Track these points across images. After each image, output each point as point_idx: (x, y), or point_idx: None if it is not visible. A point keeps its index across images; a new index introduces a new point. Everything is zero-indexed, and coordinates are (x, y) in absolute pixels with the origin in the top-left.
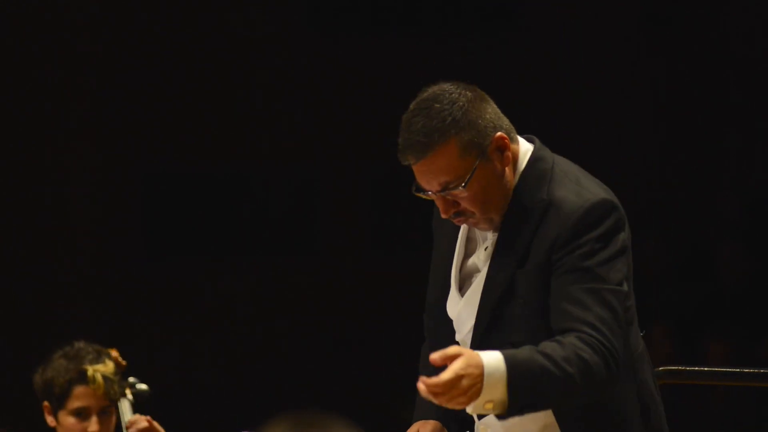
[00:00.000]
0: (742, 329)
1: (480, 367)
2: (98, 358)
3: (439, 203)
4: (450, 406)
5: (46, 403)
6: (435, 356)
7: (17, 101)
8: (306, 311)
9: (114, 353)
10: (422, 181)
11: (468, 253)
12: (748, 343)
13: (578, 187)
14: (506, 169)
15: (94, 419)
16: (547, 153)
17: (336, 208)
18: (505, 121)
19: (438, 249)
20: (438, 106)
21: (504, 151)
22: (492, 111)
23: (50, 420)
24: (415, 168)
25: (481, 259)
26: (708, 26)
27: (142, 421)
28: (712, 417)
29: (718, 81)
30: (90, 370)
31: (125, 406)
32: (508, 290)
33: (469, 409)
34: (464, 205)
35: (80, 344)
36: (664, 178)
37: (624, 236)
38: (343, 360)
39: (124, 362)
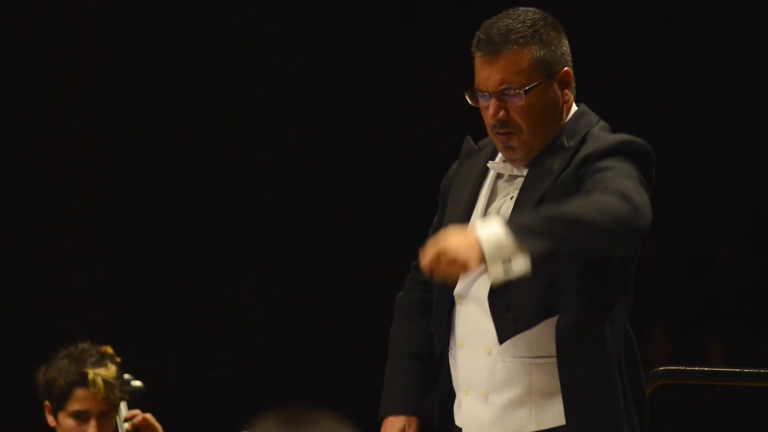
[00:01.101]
0: (742, 329)
1: (471, 230)
2: (101, 362)
3: (491, 105)
4: (454, 271)
5: (46, 403)
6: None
7: (17, 101)
8: (306, 311)
9: (109, 350)
10: (483, 77)
11: (492, 200)
12: (748, 343)
13: (620, 134)
14: (563, 106)
15: (92, 423)
16: (592, 114)
17: (336, 208)
18: (571, 58)
19: (452, 206)
20: (529, 14)
21: (566, 88)
22: (567, 48)
23: (50, 420)
24: (481, 62)
25: (505, 206)
26: (708, 26)
27: (139, 416)
28: (712, 417)
29: (718, 81)
30: (91, 373)
31: (121, 405)
32: (539, 203)
33: (490, 275)
34: (514, 115)
35: (84, 345)
36: (664, 179)
37: (653, 184)
38: (343, 360)
39: (118, 359)
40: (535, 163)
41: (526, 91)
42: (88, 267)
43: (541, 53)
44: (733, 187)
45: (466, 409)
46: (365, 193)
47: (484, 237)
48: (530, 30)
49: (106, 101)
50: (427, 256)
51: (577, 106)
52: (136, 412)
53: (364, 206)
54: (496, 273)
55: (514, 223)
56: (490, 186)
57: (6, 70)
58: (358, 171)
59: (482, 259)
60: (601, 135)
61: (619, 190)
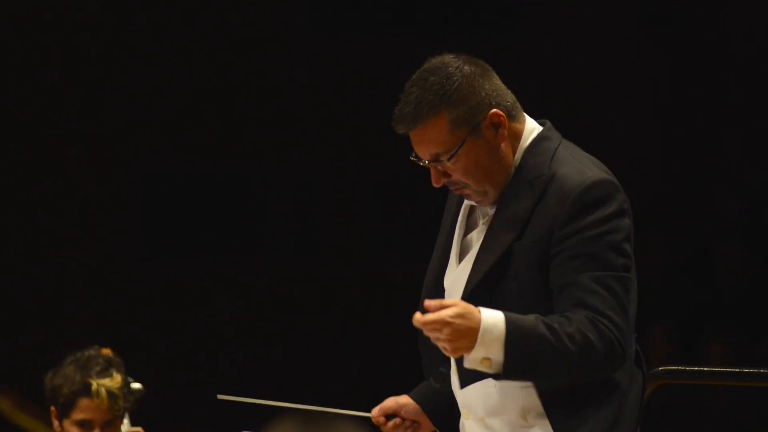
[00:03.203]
0: (742, 329)
1: (476, 320)
2: (106, 371)
3: (431, 172)
4: (443, 345)
5: (53, 408)
6: (431, 303)
7: (17, 101)
8: (306, 311)
9: (116, 357)
10: (416, 149)
11: (469, 229)
12: (748, 343)
13: (581, 166)
14: (502, 145)
15: None
16: (555, 134)
17: (336, 208)
18: (509, 98)
19: (443, 226)
20: (433, 78)
21: (499, 128)
22: (491, 87)
23: (56, 425)
24: (410, 136)
25: (479, 233)
26: (708, 26)
27: None
28: (712, 417)
29: (718, 81)
30: (95, 384)
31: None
32: (501, 261)
33: (465, 363)
34: (456, 176)
35: (91, 352)
36: (664, 178)
37: (628, 222)
38: (343, 360)
39: (121, 363)
40: (503, 198)
41: (452, 157)
42: (88, 267)
43: (456, 113)
44: (733, 187)
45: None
46: (365, 193)
47: (484, 329)
48: (438, 96)
49: (106, 101)
50: (424, 320)
51: (540, 124)
52: (139, 429)
53: (364, 206)
54: (473, 363)
55: (513, 327)
56: (466, 211)
57: (6, 70)
58: (358, 171)
59: (472, 346)
60: (564, 177)
61: (604, 321)
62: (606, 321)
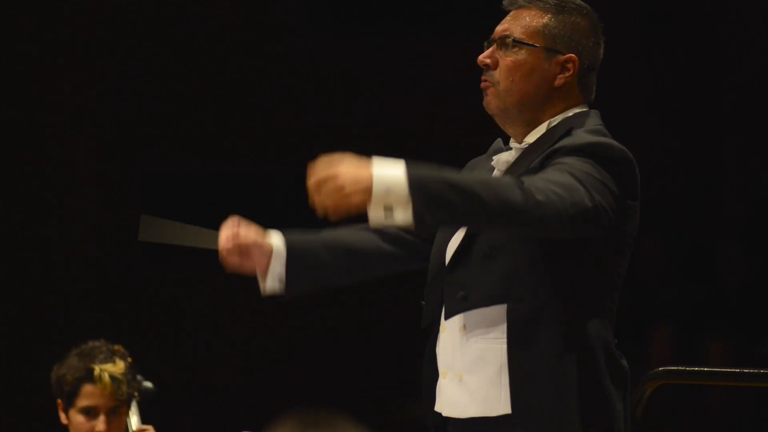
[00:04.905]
0: (742, 329)
1: (367, 167)
2: (109, 358)
3: (488, 50)
4: (333, 202)
5: (59, 401)
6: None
7: (16, 100)
8: (306, 311)
9: (119, 348)
10: (500, 26)
11: None
12: (748, 343)
13: (609, 138)
14: (554, 84)
15: (101, 418)
16: (597, 118)
17: None
18: (593, 74)
19: None
20: None
21: (566, 73)
22: (592, 47)
23: (63, 417)
24: (508, 15)
25: None
26: (709, 25)
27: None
28: (712, 417)
29: (718, 81)
30: (97, 369)
31: (132, 418)
32: None
33: (370, 218)
34: (499, 69)
35: (95, 343)
36: (664, 178)
37: (632, 202)
38: (344, 360)
39: (130, 358)
40: (522, 154)
41: (514, 41)
42: (88, 267)
43: (554, 25)
44: (734, 186)
45: (444, 392)
46: None
47: (378, 176)
48: (557, 3)
49: (106, 100)
50: (313, 174)
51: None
52: (149, 428)
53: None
54: (376, 216)
55: (414, 173)
56: None
57: (6, 70)
58: None
59: (367, 197)
60: (582, 134)
61: (541, 183)
62: (550, 189)
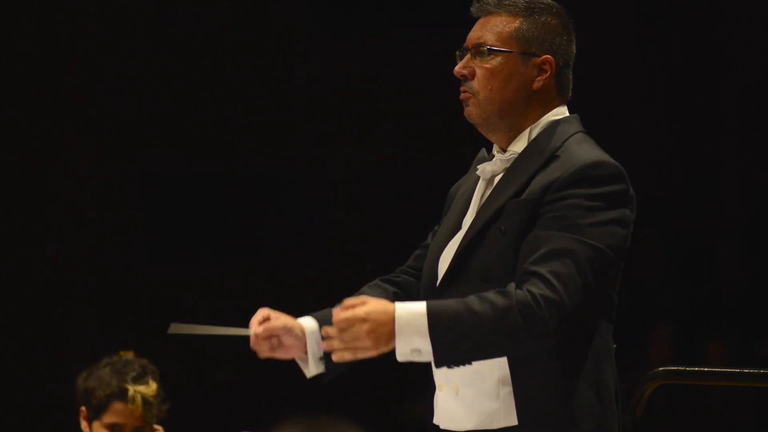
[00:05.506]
0: (741, 329)
1: (388, 312)
2: (142, 377)
3: (460, 60)
4: (351, 354)
5: (82, 408)
6: (337, 312)
7: (16, 102)
8: (306, 311)
9: (150, 366)
10: (471, 34)
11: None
12: (748, 343)
13: (595, 149)
14: (533, 88)
15: None
16: (577, 124)
17: (337, 208)
18: (568, 72)
19: (449, 213)
20: None
21: (542, 75)
22: (565, 46)
23: (84, 425)
24: (477, 21)
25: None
26: (708, 24)
27: None
28: (712, 417)
29: (716, 80)
30: (131, 390)
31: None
32: (495, 217)
33: (398, 358)
34: (476, 78)
35: (128, 356)
36: (664, 178)
37: (627, 213)
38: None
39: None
40: (512, 167)
41: (489, 49)
42: (88, 267)
43: (526, 28)
44: (733, 186)
45: (441, 405)
46: (365, 193)
47: (399, 317)
48: (526, 5)
49: (106, 101)
50: (338, 317)
51: (568, 113)
52: (159, 429)
53: (364, 206)
54: (403, 355)
55: (435, 315)
56: (480, 190)
57: (5, 70)
58: (359, 171)
59: (391, 340)
60: (574, 151)
61: (536, 290)
62: (539, 289)
